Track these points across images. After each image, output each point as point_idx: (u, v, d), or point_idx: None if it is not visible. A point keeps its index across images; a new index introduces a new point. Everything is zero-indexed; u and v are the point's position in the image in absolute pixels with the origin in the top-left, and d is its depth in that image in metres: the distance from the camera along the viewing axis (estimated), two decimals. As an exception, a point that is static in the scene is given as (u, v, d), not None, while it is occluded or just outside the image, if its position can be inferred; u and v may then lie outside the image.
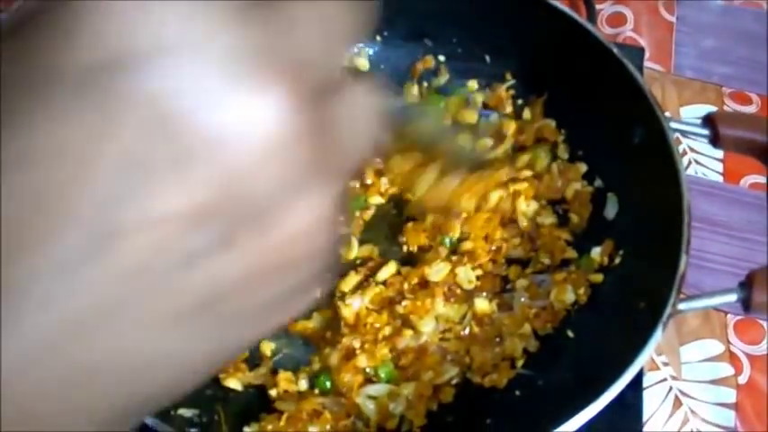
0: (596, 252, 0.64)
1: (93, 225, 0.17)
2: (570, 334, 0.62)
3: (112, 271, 0.17)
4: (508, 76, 0.74)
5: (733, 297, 0.53)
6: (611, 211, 0.67)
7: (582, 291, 0.63)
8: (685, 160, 0.81)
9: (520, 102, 0.73)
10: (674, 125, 0.60)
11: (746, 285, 0.53)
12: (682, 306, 0.53)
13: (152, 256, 0.18)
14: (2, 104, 0.17)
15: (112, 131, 0.17)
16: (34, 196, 0.17)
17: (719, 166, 0.81)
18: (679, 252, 0.53)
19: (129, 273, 0.18)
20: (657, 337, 0.51)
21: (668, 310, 0.52)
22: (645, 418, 0.66)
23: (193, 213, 0.18)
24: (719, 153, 0.82)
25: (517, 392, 0.60)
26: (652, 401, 0.68)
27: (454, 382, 0.61)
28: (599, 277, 0.63)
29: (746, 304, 0.53)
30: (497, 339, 0.62)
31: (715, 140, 0.59)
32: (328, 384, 0.59)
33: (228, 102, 0.18)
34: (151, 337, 0.19)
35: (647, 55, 0.88)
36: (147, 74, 0.17)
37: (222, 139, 0.18)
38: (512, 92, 0.73)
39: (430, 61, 0.75)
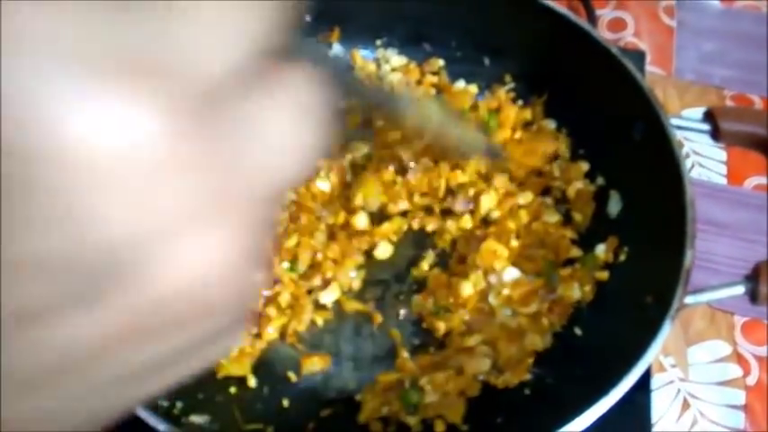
0: (601, 249, 0.64)
1: None
2: (578, 331, 0.62)
3: None
4: (507, 78, 0.74)
5: (740, 290, 0.53)
6: (614, 208, 0.66)
7: (588, 288, 0.62)
8: (689, 163, 0.80)
9: (520, 103, 0.73)
10: (674, 121, 0.60)
11: (753, 278, 0.53)
12: (689, 300, 0.53)
13: None
14: None
15: None
16: None
17: (723, 169, 0.81)
18: (684, 246, 0.53)
19: None
20: (666, 330, 0.51)
21: (676, 303, 0.51)
22: (653, 420, 0.66)
23: (44, 261, 0.14)
24: (723, 155, 0.82)
25: (527, 391, 0.60)
26: (660, 403, 0.67)
27: (481, 377, 0.60)
28: (605, 275, 0.63)
29: (753, 296, 0.52)
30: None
31: (716, 135, 0.59)
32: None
33: (80, 110, 0.14)
34: (15, 399, 0.16)
35: (648, 59, 0.88)
36: None
37: (73, 158, 0.14)
38: (512, 94, 0.73)
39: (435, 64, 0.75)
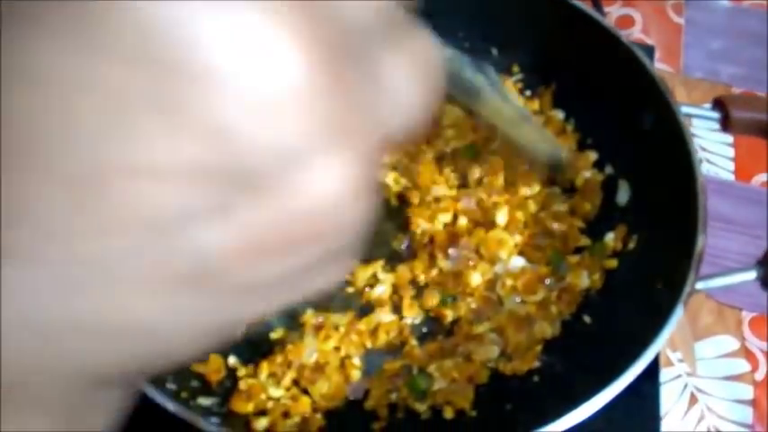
0: (610, 237, 0.63)
1: (74, 170, 0.15)
2: (587, 319, 0.61)
3: (93, 224, 0.16)
4: (515, 68, 0.73)
5: (752, 275, 0.53)
6: (623, 196, 0.66)
7: (596, 276, 0.62)
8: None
9: (528, 93, 0.73)
10: (684, 110, 0.60)
11: (764, 263, 0.52)
12: (699, 285, 0.52)
13: (135, 211, 0.15)
14: None
15: (97, 61, 0.15)
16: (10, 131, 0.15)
17: (731, 165, 0.81)
18: (696, 230, 0.53)
19: (112, 228, 0.16)
20: (678, 315, 0.50)
21: (688, 287, 0.51)
22: (661, 413, 0.65)
23: (184, 169, 0.15)
24: (731, 152, 0.82)
25: (536, 378, 0.59)
26: (668, 398, 0.67)
27: (490, 364, 0.60)
28: (613, 262, 0.62)
29: (765, 281, 0.52)
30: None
31: (725, 123, 0.59)
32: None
33: (232, 36, 0.15)
34: (132, 302, 0.17)
35: (656, 56, 0.88)
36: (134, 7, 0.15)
37: (221, 80, 0.15)
38: (519, 84, 0.73)
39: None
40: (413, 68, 0.18)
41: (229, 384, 0.59)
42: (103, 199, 0.15)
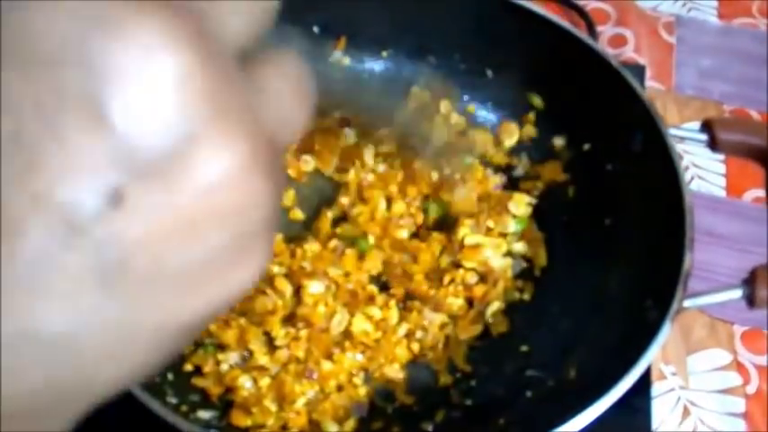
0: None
1: None
2: (578, 334, 0.62)
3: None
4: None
5: (738, 293, 0.54)
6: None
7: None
8: (688, 175, 0.81)
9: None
10: (672, 131, 0.62)
11: (750, 281, 0.54)
12: (687, 303, 0.54)
13: (31, 213, 0.16)
14: None
15: None
16: None
17: (722, 181, 0.82)
18: (683, 249, 0.54)
19: (10, 231, 0.16)
20: (666, 332, 0.52)
21: (675, 305, 0.52)
22: (654, 426, 0.66)
23: (76, 164, 0.16)
24: (722, 168, 0.83)
25: (528, 393, 0.60)
26: (661, 411, 0.68)
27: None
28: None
29: (751, 300, 0.53)
30: None
31: (713, 145, 0.61)
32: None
33: (103, 38, 0.16)
34: (44, 310, 0.16)
35: (647, 74, 0.90)
36: (6, 15, 0.16)
37: (99, 79, 0.16)
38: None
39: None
40: (284, 80, 0.20)
41: (229, 398, 0.60)
42: None
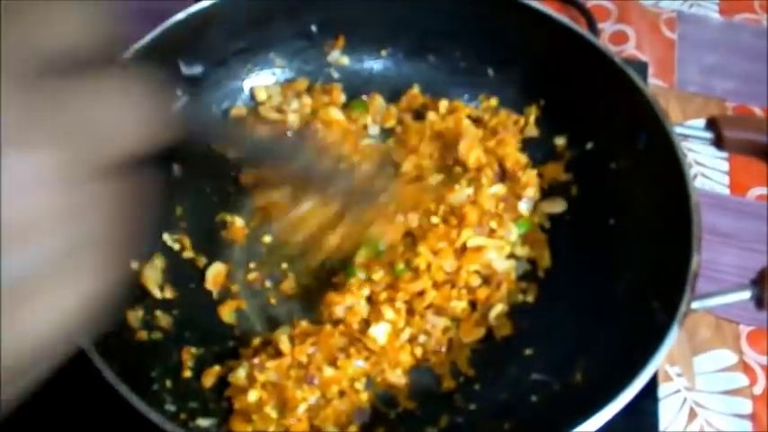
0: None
1: None
2: (585, 338, 0.61)
3: None
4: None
5: (746, 294, 0.53)
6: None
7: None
8: (692, 173, 0.80)
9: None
10: (678, 130, 0.61)
11: (759, 282, 0.53)
12: (695, 305, 0.53)
13: None
14: None
15: None
16: None
17: (726, 179, 0.82)
18: (691, 250, 0.53)
19: None
20: (674, 335, 0.51)
21: (683, 308, 0.51)
22: (660, 429, 0.66)
23: None
24: (725, 166, 0.82)
25: (533, 398, 0.60)
26: (667, 413, 0.67)
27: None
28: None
29: (759, 301, 0.52)
30: None
31: (718, 143, 0.60)
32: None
33: None
34: None
35: (650, 71, 0.89)
36: None
37: None
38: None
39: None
40: (125, 95, 0.21)
41: (227, 405, 0.59)
42: None
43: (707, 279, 0.69)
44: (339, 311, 0.61)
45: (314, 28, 0.73)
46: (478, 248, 0.65)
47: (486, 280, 0.66)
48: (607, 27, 0.93)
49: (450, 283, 0.64)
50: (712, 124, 0.60)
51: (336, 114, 0.73)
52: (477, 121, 0.73)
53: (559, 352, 0.61)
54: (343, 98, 0.75)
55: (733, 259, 0.75)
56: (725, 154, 0.82)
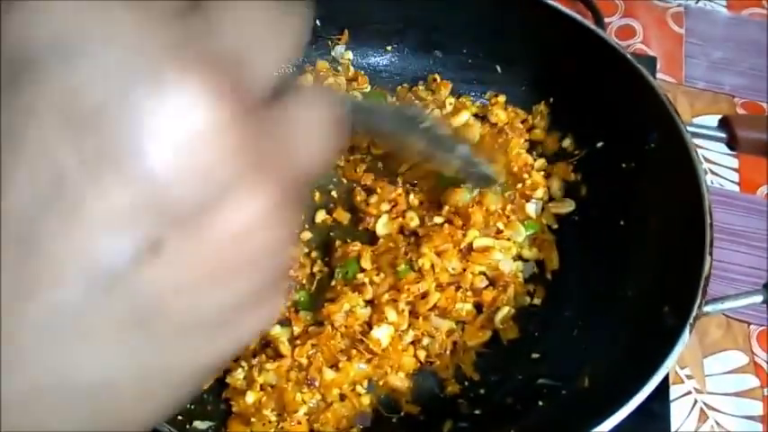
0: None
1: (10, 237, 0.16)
2: (593, 343, 0.60)
3: (32, 280, 0.17)
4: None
5: (759, 298, 0.52)
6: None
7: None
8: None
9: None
10: (690, 129, 0.59)
11: (771, 287, 0.52)
12: (708, 308, 0.52)
13: (71, 264, 0.17)
14: None
15: (23, 138, 0.16)
16: None
17: (736, 176, 0.81)
18: (703, 253, 0.52)
19: (51, 283, 0.17)
20: (685, 340, 0.50)
21: (695, 311, 0.50)
22: (671, 431, 0.65)
23: (114, 215, 0.17)
24: (735, 163, 0.81)
25: (540, 403, 0.58)
26: (677, 415, 0.66)
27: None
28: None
29: (773, 305, 0.51)
30: None
31: (731, 143, 0.59)
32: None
33: (144, 95, 0.17)
34: (84, 357, 0.17)
35: (657, 66, 0.88)
36: (54, 70, 0.17)
37: (140, 134, 0.17)
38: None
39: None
40: (314, 118, 0.21)
41: (226, 407, 0.58)
42: (39, 255, 0.16)
43: (716, 278, 0.68)
44: (339, 319, 0.60)
45: (317, 22, 0.72)
46: (485, 249, 0.64)
47: (492, 282, 0.65)
48: (614, 21, 0.91)
49: (455, 285, 0.63)
50: (725, 124, 0.59)
51: None
52: (483, 119, 0.72)
53: (567, 356, 0.61)
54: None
55: (743, 258, 0.74)
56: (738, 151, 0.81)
